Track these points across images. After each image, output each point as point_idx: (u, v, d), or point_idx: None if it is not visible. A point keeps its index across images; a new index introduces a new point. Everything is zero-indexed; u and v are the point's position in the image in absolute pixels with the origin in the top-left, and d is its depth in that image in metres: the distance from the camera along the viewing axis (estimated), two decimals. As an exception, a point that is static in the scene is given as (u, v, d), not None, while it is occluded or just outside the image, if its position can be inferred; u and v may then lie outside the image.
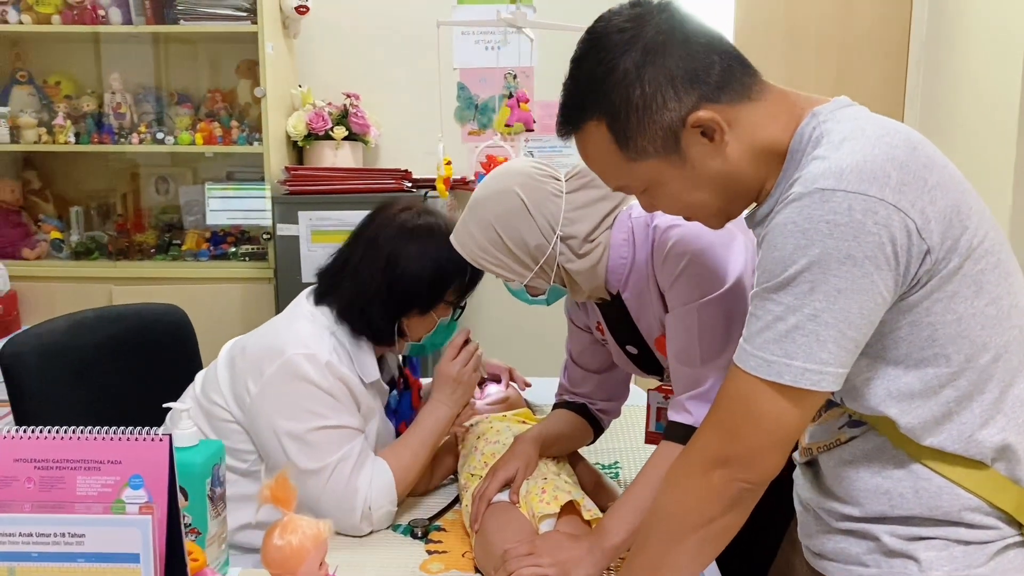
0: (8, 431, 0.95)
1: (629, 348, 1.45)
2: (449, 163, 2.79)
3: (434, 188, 2.89)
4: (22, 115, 3.25)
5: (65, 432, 0.93)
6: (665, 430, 1.31)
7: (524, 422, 1.71)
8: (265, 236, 3.16)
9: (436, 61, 2.81)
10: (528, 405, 1.89)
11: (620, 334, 1.44)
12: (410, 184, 3.10)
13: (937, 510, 0.96)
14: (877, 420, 0.98)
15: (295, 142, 3.29)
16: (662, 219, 1.29)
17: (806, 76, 3.39)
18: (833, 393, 0.94)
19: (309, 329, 1.46)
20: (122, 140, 3.25)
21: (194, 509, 1.11)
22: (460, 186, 3.29)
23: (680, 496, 1.01)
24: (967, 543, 0.96)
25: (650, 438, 1.60)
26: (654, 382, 1.54)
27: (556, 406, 1.62)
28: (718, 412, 0.98)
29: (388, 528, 1.46)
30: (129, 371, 1.83)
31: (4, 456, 0.93)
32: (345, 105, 3.30)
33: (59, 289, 3.18)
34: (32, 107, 3.31)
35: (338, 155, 3.26)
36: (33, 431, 0.94)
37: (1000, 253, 0.96)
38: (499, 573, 1.22)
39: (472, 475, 1.50)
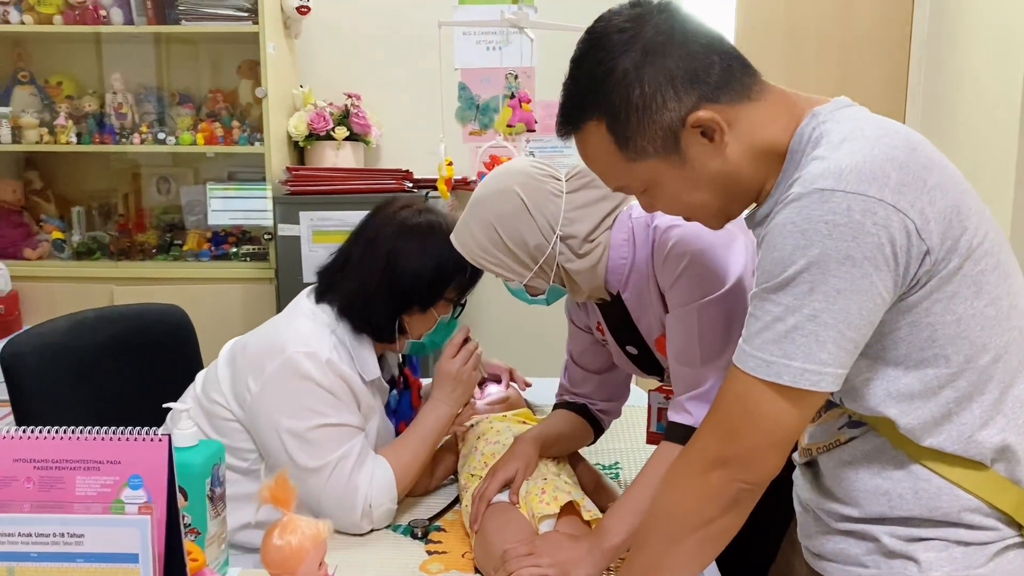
0: (7, 431, 0.95)
1: (629, 348, 1.45)
2: (451, 164, 2.79)
3: (435, 188, 2.89)
4: (24, 115, 3.26)
5: (64, 432, 0.93)
6: (665, 431, 1.31)
7: (524, 422, 1.71)
8: (266, 236, 3.16)
9: (437, 61, 2.81)
10: (528, 405, 1.89)
11: (620, 334, 1.44)
12: (411, 184, 3.11)
13: (937, 511, 0.96)
14: (877, 421, 0.98)
15: (296, 142, 3.29)
16: (662, 219, 1.28)
17: (807, 76, 3.39)
18: (832, 394, 0.94)
19: (310, 327, 1.46)
20: (123, 140, 3.26)
21: (194, 509, 1.12)
22: (461, 186, 3.28)
23: (679, 497, 1.01)
24: (967, 544, 0.96)
25: (652, 439, 1.60)
26: (655, 383, 1.54)
27: (556, 406, 1.62)
28: (717, 413, 0.98)
29: (388, 528, 1.46)
30: (130, 371, 1.83)
31: (3, 456, 0.93)
32: (346, 105, 3.30)
33: (60, 289, 3.18)
34: (34, 107, 3.32)
35: (339, 155, 3.26)
36: (32, 431, 0.94)
37: (1000, 254, 0.95)
38: (499, 573, 1.22)
39: (472, 475, 1.50)
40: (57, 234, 3.36)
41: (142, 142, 3.23)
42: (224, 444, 1.24)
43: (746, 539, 1.03)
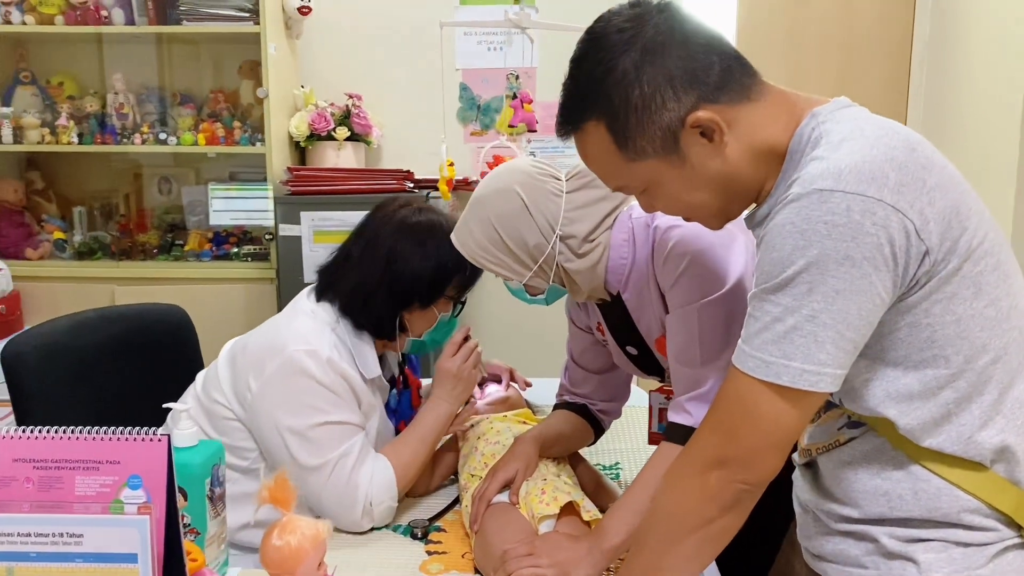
0: (7, 431, 0.95)
1: (629, 349, 1.45)
2: (452, 164, 2.79)
3: (436, 189, 2.89)
4: (25, 115, 3.26)
5: (63, 432, 0.93)
6: (665, 431, 1.31)
7: (524, 422, 1.71)
8: (267, 236, 3.16)
9: (438, 61, 2.81)
10: (528, 405, 1.89)
11: (620, 335, 1.44)
12: (412, 185, 3.11)
13: (936, 512, 0.96)
14: (876, 421, 0.98)
15: (297, 142, 3.30)
16: (662, 219, 1.28)
17: (808, 76, 3.38)
18: (832, 394, 0.94)
19: (310, 325, 1.46)
20: (125, 140, 3.26)
21: (193, 509, 1.12)
22: (462, 187, 3.28)
23: (679, 497, 1.01)
24: (966, 545, 0.96)
25: (653, 439, 1.60)
26: (655, 383, 1.54)
27: (557, 406, 1.62)
28: (717, 413, 0.98)
29: (388, 528, 1.46)
30: (131, 371, 1.83)
31: (3, 456, 0.93)
32: (347, 105, 3.30)
33: (62, 289, 3.19)
34: (35, 107, 3.32)
35: (340, 156, 3.26)
36: (31, 431, 0.94)
37: (1000, 254, 0.95)
38: (498, 574, 1.22)
39: (472, 475, 1.50)
40: (58, 234, 3.36)
41: (143, 142, 3.24)
42: (225, 443, 1.24)
43: (746, 539, 1.03)
